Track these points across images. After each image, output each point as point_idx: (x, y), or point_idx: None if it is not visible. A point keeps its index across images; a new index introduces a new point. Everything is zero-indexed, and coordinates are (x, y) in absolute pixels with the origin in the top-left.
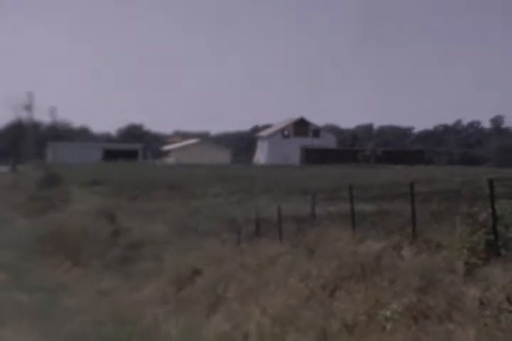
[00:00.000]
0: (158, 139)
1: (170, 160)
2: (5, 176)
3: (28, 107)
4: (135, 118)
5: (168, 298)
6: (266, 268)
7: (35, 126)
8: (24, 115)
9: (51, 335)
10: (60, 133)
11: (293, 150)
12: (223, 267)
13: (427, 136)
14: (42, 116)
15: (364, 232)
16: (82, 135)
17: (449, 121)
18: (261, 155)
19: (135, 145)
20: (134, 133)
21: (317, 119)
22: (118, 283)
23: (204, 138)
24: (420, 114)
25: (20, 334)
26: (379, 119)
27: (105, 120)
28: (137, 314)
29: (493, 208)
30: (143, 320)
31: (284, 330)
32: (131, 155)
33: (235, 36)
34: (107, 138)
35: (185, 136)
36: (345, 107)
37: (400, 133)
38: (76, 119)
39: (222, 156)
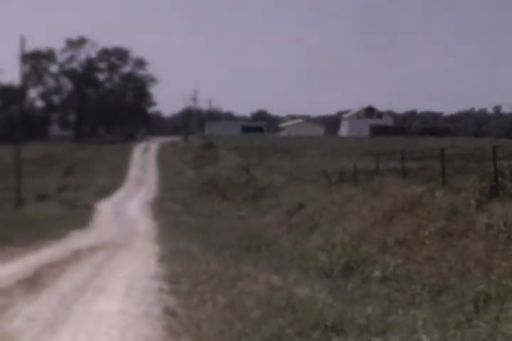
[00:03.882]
0: (276, 119)
1: (283, 133)
2: (179, 143)
3: (194, 99)
4: (263, 105)
5: (283, 223)
6: (346, 203)
7: (198, 111)
8: (191, 104)
9: (210, 245)
10: (214, 116)
11: (364, 127)
12: (318, 202)
13: (451, 118)
14: (202, 104)
15: (410, 180)
16: (228, 116)
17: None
18: (343, 130)
19: (261, 123)
20: (260, 115)
21: (380, 106)
22: (250, 212)
23: (306, 118)
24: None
25: (190, 244)
26: (421, 106)
27: (243, 106)
28: (263, 232)
29: (495, 165)
30: (267, 236)
31: (358, 243)
32: (258, 130)
33: None
34: (243, 118)
35: (293, 117)
36: (399, 97)
37: (434, 116)
38: (224, 106)
39: (318, 131)
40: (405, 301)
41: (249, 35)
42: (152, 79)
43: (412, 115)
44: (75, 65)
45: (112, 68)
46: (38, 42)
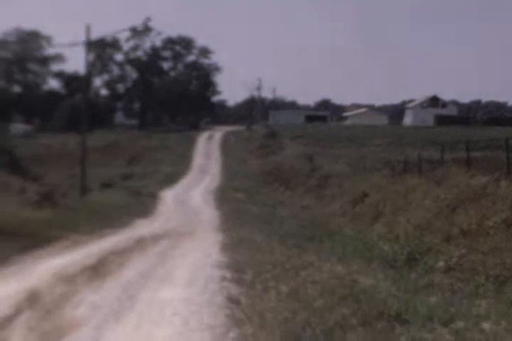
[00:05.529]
0: (340, 108)
1: (347, 122)
2: (243, 132)
3: (258, 88)
4: (327, 94)
5: (346, 212)
6: (410, 193)
7: (262, 100)
8: (255, 93)
9: (273, 233)
10: (278, 105)
11: (428, 117)
12: (382, 192)
13: None
14: (266, 93)
15: (474, 170)
16: (292, 106)
17: None
18: (407, 120)
19: (325, 112)
20: (324, 104)
21: (446, 95)
22: (314, 201)
23: (370, 108)
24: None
25: (254, 233)
26: (486, 96)
27: (307, 96)
28: (326, 222)
29: None
30: (330, 225)
31: (422, 233)
32: (322, 119)
33: None
34: (307, 107)
35: (358, 106)
36: (464, 87)
37: (499, 106)
38: (288, 95)
39: (382, 120)
40: (469, 292)
41: (314, 23)
42: (216, 68)
43: (476, 105)
44: (139, 54)
45: (177, 57)
46: (103, 31)
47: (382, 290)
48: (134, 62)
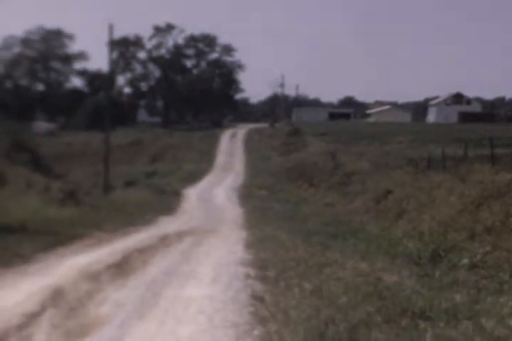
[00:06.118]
0: (364, 106)
1: (371, 120)
2: (266, 130)
3: (281, 85)
4: (350, 92)
5: (369, 209)
6: (434, 190)
7: (285, 97)
8: (278, 90)
9: (296, 231)
10: (301, 102)
11: (452, 114)
12: (406, 189)
13: None
14: (290, 90)
15: (499, 167)
16: (315, 103)
17: None
18: (431, 117)
19: (348, 109)
20: (348, 101)
21: (469, 92)
22: (337, 199)
23: (394, 105)
24: None
25: (277, 230)
26: (510, 93)
27: (330, 93)
28: (349, 219)
29: None
30: (354, 223)
31: (446, 230)
32: (345, 116)
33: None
34: (330, 105)
35: (381, 103)
36: (488, 83)
37: None
38: (311, 92)
39: (405, 117)
40: (494, 289)
41: (338, 20)
42: (239, 66)
43: (501, 101)
44: (162, 52)
45: (200, 54)
46: (126, 29)
47: (406, 287)
48: (157, 60)
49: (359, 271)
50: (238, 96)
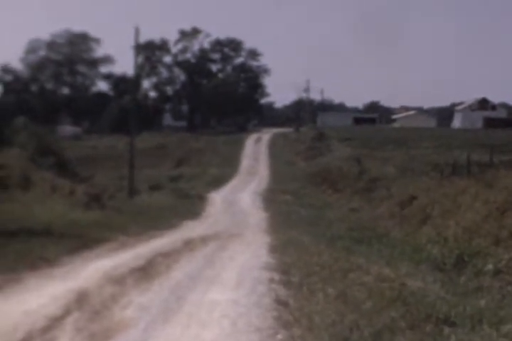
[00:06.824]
0: (389, 111)
1: (396, 125)
2: (291, 134)
3: (306, 90)
4: (375, 96)
5: (394, 215)
6: (459, 196)
7: (310, 102)
8: (303, 95)
9: (320, 236)
10: (326, 107)
11: (477, 119)
12: (431, 194)
13: None
14: (315, 95)
15: None
16: (340, 108)
17: None
18: (456, 122)
19: (374, 114)
20: (373, 106)
21: (495, 98)
22: (362, 204)
23: (419, 110)
24: None
25: (301, 235)
26: None
27: (355, 98)
28: (374, 224)
29: None
30: (378, 228)
31: (471, 237)
32: (371, 121)
33: None
34: (356, 109)
35: (406, 108)
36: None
37: None
38: (336, 97)
39: (431, 123)
40: None
41: (362, 26)
42: (265, 70)
43: None
44: (188, 56)
45: (225, 59)
46: (152, 34)
47: (430, 293)
48: (183, 65)
49: (383, 276)
50: (263, 100)
